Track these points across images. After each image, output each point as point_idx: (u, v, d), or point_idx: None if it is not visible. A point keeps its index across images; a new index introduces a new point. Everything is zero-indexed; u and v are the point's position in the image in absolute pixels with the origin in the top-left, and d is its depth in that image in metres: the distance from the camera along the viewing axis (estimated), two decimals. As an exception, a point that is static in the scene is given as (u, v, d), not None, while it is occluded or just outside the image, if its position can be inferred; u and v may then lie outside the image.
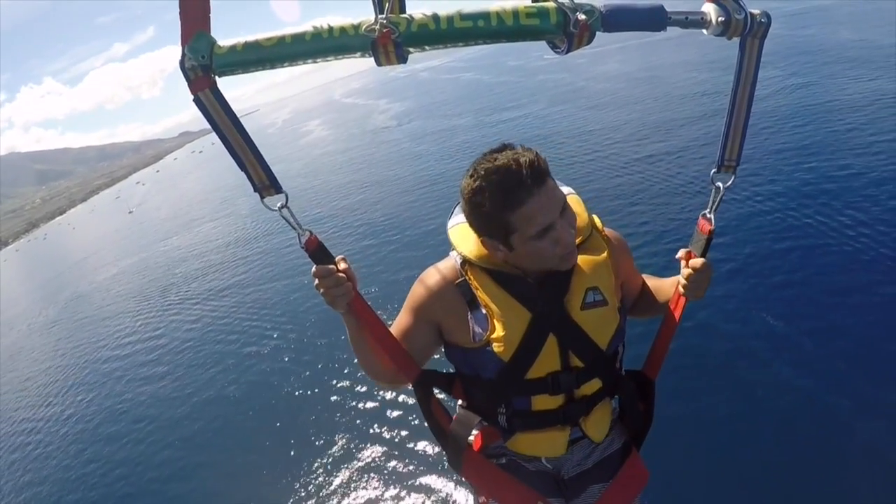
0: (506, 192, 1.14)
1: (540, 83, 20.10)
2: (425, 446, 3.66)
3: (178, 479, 4.29)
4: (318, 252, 1.23)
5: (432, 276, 1.37)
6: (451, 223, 1.42)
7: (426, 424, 1.49)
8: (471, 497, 1.61)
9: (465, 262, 1.34)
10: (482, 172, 1.17)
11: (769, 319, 3.92)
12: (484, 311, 1.30)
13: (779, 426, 3.14)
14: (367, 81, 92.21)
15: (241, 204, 15.36)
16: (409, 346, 1.39)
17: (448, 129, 15.43)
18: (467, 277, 1.33)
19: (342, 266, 1.24)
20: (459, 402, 1.53)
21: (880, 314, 3.71)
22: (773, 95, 9.19)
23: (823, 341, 3.62)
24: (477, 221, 1.23)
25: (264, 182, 1.17)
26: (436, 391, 1.49)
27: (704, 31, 1.15)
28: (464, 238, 1.35)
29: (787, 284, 4.24)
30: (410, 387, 1.44)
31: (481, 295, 1.30)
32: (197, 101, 1.10)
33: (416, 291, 1.39)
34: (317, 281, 1.22)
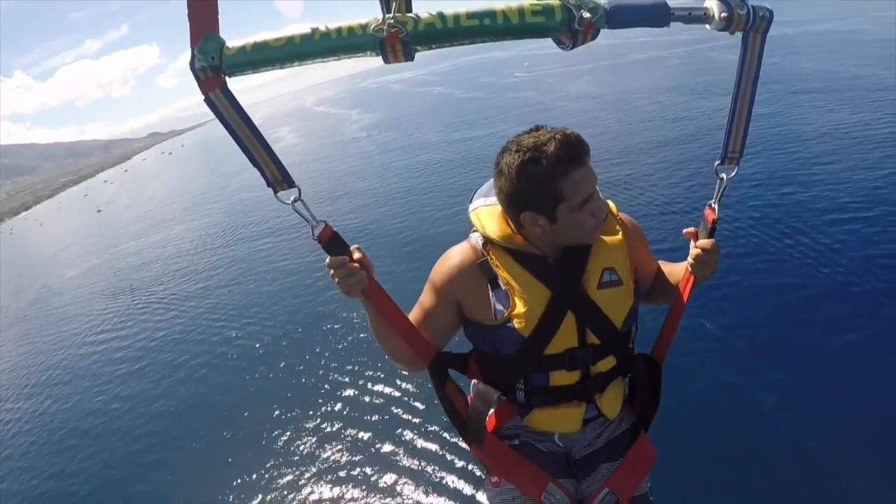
0: (562, 161, 1.21)
1: (510, 101, 20.41)
2: (432, 426, 3.78)
3: (158, 450, 4.58)
4: (332, 243, 1.26)
5: (453, 256, 1.41)
6: (472, 206, 1.47)
7: (441, 406, 1.52)
8: (483, 476, 1.66)
9: (487, 242, 1.39)
10: (532, 145, 1.22)
11: (705, 323, 4.20)
12: (505, 288, 1.34)
13: (708, 418, 3.39)
14: (339, 90, 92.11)
15: (213, 206, 15.25)
16: (432, 326, 1.43)
17: (418, 144, 15.45)
18: (489, 257, 1.37)
19: (356, 256, 1.28)
20: (474, 381, 1.56)
21: (804, 317, 4.10)
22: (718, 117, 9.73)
23: (752, 342, 3.97)
24: (524, 194, 1.26)
25: (277, 177, 1.20)
26: (451, 373, 1.53)
27: (707, 26, 1.16)
28: (487, 219, 1.40)
29: (716, 287, 4.54)
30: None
31: (503, 273, 1.35)
32: (208, 101, 1.11)
33: (439, 271, 1.42)
34: (331, 271, 1.25)
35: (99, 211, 25.65)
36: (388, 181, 11.74)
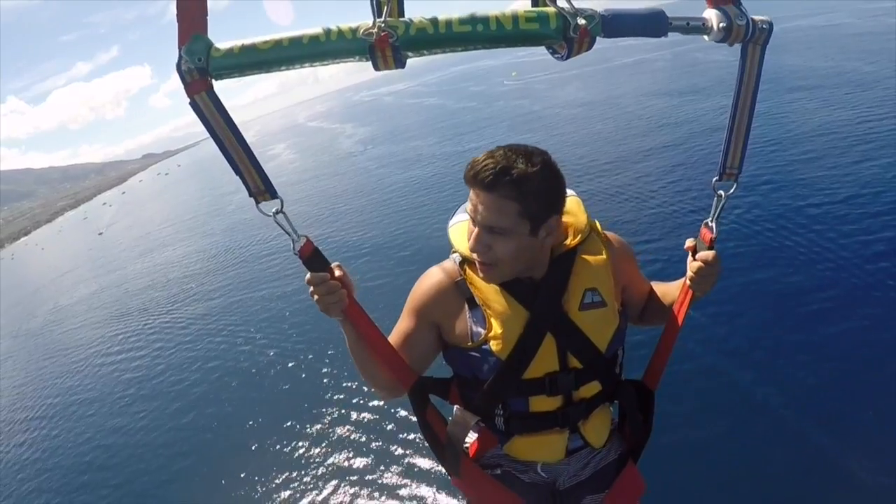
0: (467, 167, 1.20)
1: (501, 110, 20.49)
2: (415, 455, 3.80)
3: (180, 444, 4.96)
4: (313, 259, 1.20)
5: (431, 276, 1.37)
6: (451, 222, 1.42)
7: (421, 432, 1.46)
8: (463, 506, 1.60)
9: (465, 260, 1.33)
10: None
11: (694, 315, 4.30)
12: (482, 309, 1.29)
13: (685, 392, 3.54)
14: (332, 105, 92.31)
15: (215, 225, 15.29)
16: (411, 350, 1.37)
17: (414, 158, 15.39)
18: (465, 276, 1.32)
19: (337, 273, 1.22)
20: (456, 407, 1.49)
21: (777, 301, 4.35)
22: (705, 120, 10.02)
23: (730, 324, 4.17)
24: None
25: (259, 187, 1.14)
26: (432, 399, 1.47)
27: (705, 37, 1.13)
28: (462, 236, 1.33)
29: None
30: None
31: (479, 293, 1.29)
32: (193, 104, 1.07)
33: (416, 293, 1.37)
34: (310, 288, 1.20)
35: (101, 234, 25.45)
36: (386, 196, 11.71)
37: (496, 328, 1.27)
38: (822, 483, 2.87)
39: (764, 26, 1.13)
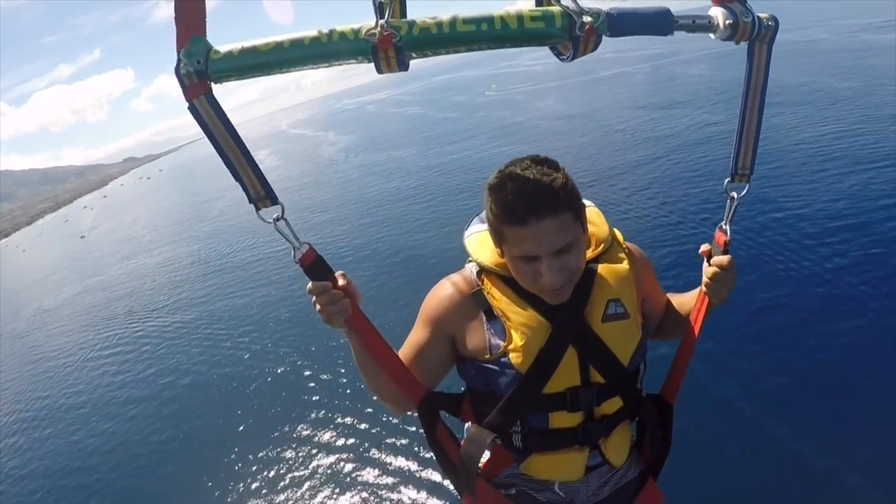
0: (502, 209, 1.12)
1: (482, 120, 20.58)
2: (412, 461, 3.78)
3: (172, 434, 5.11)
4: (315, 267, 1.16)
5: (446, 286, 1.32)
6: (467, 232, 1.38)
7: (431, 450, 1.41)
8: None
9: (482, 270, 1.29)
10: (499, 178, 1.14)
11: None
12: (501, 321, 1.24)
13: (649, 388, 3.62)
14: (315, 112, 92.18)
15: (199, 230, 15.10)
16: (423, 363, 1.33)
17: (396, 168, 15.32)
18: (483, 287, 1.28)
19: (341, 282, 1.19)
20: (468, 424, 1.43)
21: (737, 299, 4.37)
22: (682, 134, 10.20)
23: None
24: (488, 216, 1.20)
25: (260, 193, 1.11)
26: (442, 415, 1.41)
27: (712, 35, 1.13)
28: (481, 246, 1.30)
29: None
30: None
31: (498, 304, 1.25)
32: (191, 108, 1.04)
33: (430, 303, 1.32)
34: (312, 298, 1.16)
35: (83, 237, 24.83)
36: (369, 205, 11.62)
37: (516, 340, 1.22)
38: (778, 470, 3.00)
39: (770, 23, 1.13)
